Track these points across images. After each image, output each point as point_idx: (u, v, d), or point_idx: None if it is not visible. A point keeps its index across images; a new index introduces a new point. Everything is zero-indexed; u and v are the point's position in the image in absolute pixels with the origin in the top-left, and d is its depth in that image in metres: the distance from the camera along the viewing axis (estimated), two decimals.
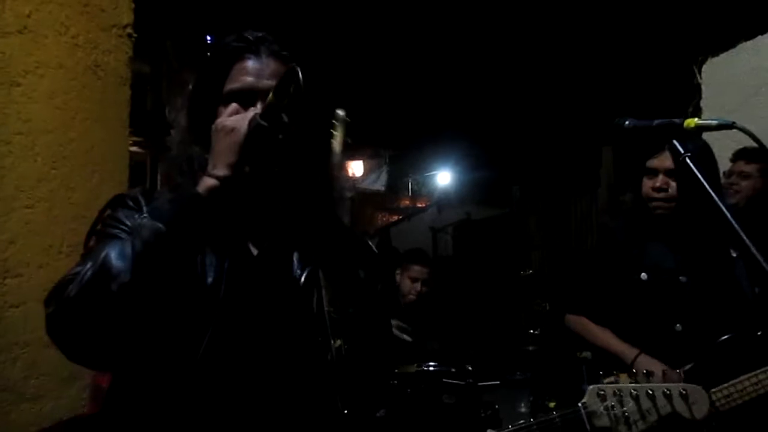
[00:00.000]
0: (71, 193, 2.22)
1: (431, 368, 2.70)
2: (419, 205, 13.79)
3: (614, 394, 1.28)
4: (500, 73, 9.42)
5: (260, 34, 1.23)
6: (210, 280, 1.14)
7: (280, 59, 1.21)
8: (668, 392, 1.27)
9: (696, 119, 1.24)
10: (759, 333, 1.98)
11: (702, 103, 4.46)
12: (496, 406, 3.11)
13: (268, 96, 1.09)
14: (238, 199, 1.16)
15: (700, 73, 4.49)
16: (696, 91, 4.49)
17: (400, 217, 12.69)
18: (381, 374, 1.36)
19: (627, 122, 1.31)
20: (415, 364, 2.69)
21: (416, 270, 3.64)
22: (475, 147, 11.89)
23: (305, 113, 1.10)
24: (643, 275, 2.16)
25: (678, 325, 2.07)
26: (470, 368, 2.84)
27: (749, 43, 4.15)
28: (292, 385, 1.15)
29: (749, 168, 3.16)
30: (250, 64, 1.19)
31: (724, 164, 3.19)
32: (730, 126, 1.24)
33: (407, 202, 14.20)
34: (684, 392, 1.28)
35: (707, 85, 4.42)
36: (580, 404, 1.29)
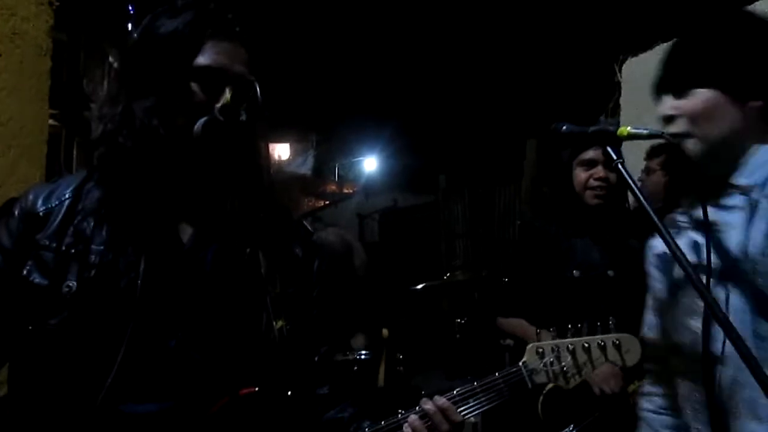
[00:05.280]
0: None
1: (362, 356, 2.71)
2: (346, 191, 13.78)
3: (552, 350, 1.30)
4: (428, 63, 9.51)
5: (230, 16, 1.22)
6: (124, 282, 1.12)
7: (245, 45, 1.22)
8: (602, 343, 1.30)
9: (629, 128, 1.26)
10: None
11: (621, 101, 4.67)
12: (423, 392, 3.17)
13: (228, 95, 1.14)
14: (182, 183, 1.17)
15: (620, 71, 4.69)
16: (616, 89, 4.70)
17: (327, 202, 12.64)
18: (323, 352, 1.35)
19: (564, 127, 1.33)
20: (346, 352, 2.70)
21: None
22: (402, 135, 11.99)
23: (254, 117, 1.17)
24: (575, 272, 2.22)
25: (612, 318, 2.14)
26: (400, 356, 2.87)
27: (666, 45, 4.36)
28: (234, 371, 1.14)
29: (652, 163, 3.33)
30: (224, 44, 1.19)
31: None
32: (660, 135, 1.28)
33: (334, 188, 14.16)
34: (617, 342, 1.30)
35: (626, 83, 4.63)
36: (521, 363, 1.30)
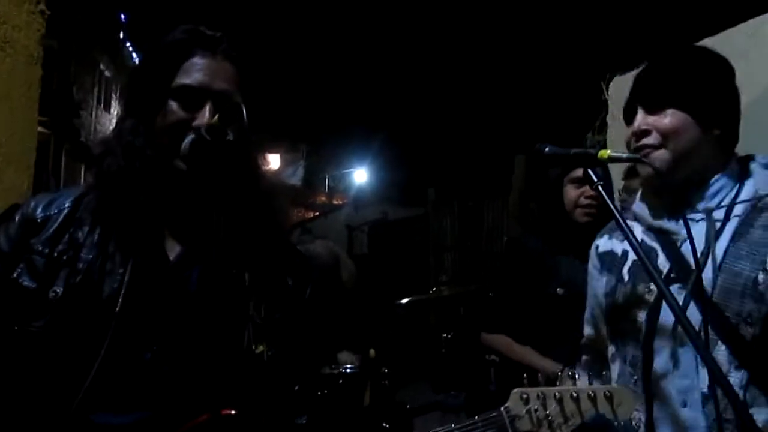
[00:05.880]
0: None
1: (348, 370, 2.71)
2: (336, 202, 13.80)
3: (537, 397, 1.24)
4: (419, 78, 9.58)
5: (218, 34, 1.23)
6: (106, 292, 1.12)
7: (232, 62, 1.22)
8: (593, 394, 1.24)
9: (609, 151, 1.32)
10: None
11: (608, 118, 4.72)
12: (408, 406, 3.17)
13: (208, 113, 1.15)
14: (171, 201, 1.19)
15: (607, 89, 4.75)
16: (603, 106, 4.75)
17: (317, 213, 12.64)
18: (304, 381, 1.35)
19: (547, 149, 1.37)
20: (332, 365, 2.70)
21: None
22: (392, 148, 12.06)
23: (243, 138, 1.18)
24: (559, 290, 2.21)
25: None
26: (386, 370, 2.87)
27: None
28: (210, 390, 1.13)
29: (634, 183, 3.34)
30: (205, 62, 1.19)
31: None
32: (639, 159, 1.34)
33: (324, 199, 14.18)
34: (609, 394, 1.24)
35: (613, 101, 4.68)
36: (502, 408, 1.24)
